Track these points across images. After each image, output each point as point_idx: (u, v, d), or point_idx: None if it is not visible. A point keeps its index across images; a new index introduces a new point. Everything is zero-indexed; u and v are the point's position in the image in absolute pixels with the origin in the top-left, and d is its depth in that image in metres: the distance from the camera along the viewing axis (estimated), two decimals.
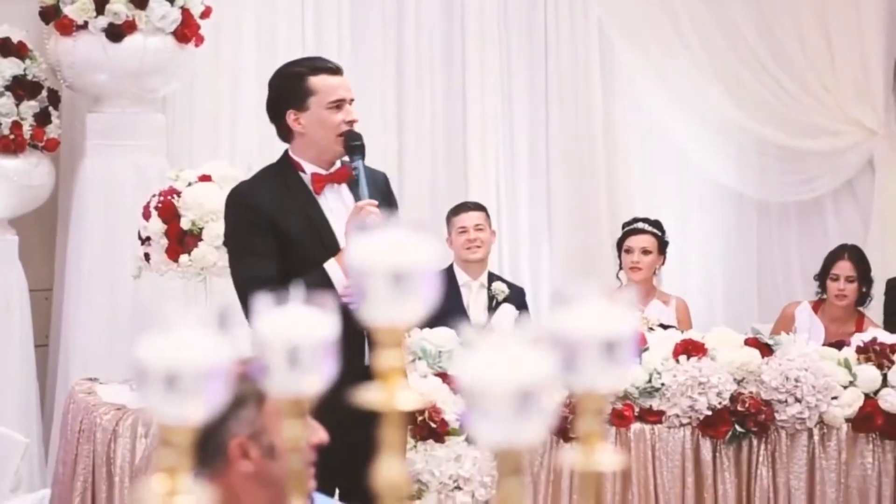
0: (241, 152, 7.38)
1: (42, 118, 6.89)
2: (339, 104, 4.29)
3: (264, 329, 1.50)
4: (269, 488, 2.66)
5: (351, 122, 4.28)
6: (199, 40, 7.07)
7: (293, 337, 1.48)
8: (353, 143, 4.26)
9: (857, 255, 6.88)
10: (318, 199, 4.27)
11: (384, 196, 4.39)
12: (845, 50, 8.16)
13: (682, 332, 5.87)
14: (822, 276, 6.87)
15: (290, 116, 4.30)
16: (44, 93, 6.94)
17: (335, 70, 4.34)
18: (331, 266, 4.14)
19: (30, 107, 6.84)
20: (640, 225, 6.92)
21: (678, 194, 8.39)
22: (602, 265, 7.69)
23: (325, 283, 4.11)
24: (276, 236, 4.17)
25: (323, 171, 4.31)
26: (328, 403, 3.71)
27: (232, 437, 2.68)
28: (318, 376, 1.49)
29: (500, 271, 7.87)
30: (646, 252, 6.85)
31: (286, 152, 4.40)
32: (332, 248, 4.18)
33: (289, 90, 4.33)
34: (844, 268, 6.79)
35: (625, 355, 1.46)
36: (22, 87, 6.83)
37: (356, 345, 3.96)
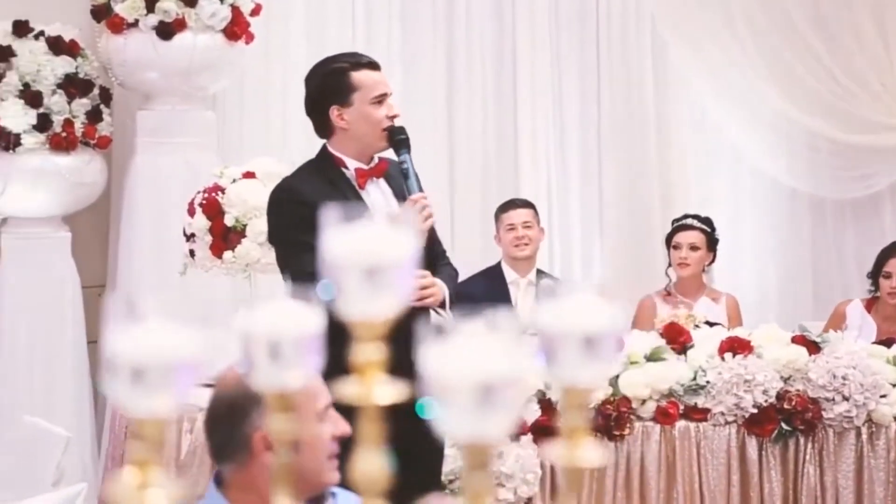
0: (291, 149, 7.38)
1: (94, 116, 6.93)
2: (381, 99, 4.28)
3: (247, 322, 1.49)
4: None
5: (393, 117, 4.27)
6: (249, 38, 7.09)
7: (275, 331, 1.47)
8: (399, 138, 4.26)
9: None
10: (362, 194, 4.28)
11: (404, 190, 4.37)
12: None
13: (729, 329, 5.82)
14: (875, 274, 6.79)
15: (334, 112, 4.29)
16: (95, 91, 6.98)
17: (375, 65, 4.34)
18: None
19: (81, 105, 6.89)
20: (689, 221, 6.88)
21: (731, 191, 8.32)
22: (654, 262, 7.64)
23: None
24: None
25: (365, 166, 4.31)
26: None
27: (255, 430, 2.68)
28: (302, 370, 1.48)
29: (551, 268, 7.84)
30: (694, 248, 6.81)
31: (324, 147, 4.40)
32: None
33: (331, 86, 4.32)
34: None
35: (606, 350, 1.44)
36: (74, 85, 6.87)
37: (409, 339, 3.96)
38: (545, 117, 8.11)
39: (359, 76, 4.30)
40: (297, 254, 4.17)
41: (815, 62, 8.09)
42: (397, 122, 4.37)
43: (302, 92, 7.13)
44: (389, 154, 4.49)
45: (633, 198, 8.16)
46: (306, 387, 1.53)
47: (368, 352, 1.37)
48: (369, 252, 1.33)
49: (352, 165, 4.31)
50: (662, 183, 8.18)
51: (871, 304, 6.76)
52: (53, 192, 6.86)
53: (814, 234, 8.30)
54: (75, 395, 6.88)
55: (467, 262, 7.22)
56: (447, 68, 8.05)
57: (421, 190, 4.25)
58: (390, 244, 1.35)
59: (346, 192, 4.25)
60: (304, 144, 7.17)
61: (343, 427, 2.73)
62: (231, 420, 2.71)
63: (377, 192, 4.31)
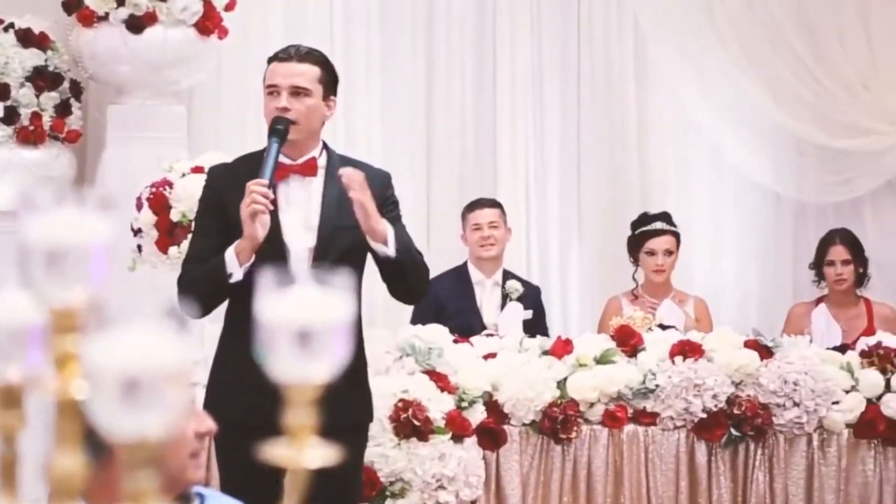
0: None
1: (63, 109, 6.89)
2: (272, 90, 4.22)
3: None
4: None
5: (283, 110, 4.18)
6: (223, 32, 7.03)
7: None
8: (273, 126, 4.18)
9: (849, 238, 6.78)
10: (278, 188, 4.19)
11: (376, 195, 4.24)
12: (887, 47, 7.92)
13: (700, 332, 5.73)
14: (818, 265, 6.78)
15: None
16: (65, 84, 6.94)
17: (286, 57, 4.26)
18: (229, 253, 4.07)
19: (50, 98, 6.85)
20: (660, 225, 6.77)
21: (713, 192, 8.22)
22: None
23: (222, 269, 4.05)
24: (224, 220, 4.13)
25: (287, 161, 4.24)
26: (257, 387, 3.59)
27: None
28: (21, 365, 1.42)
29: (528, 268, 7.76)
30: (669, 253, 6.74)
31: None
32: (273, 240, 4.08)
33: None
34: (839, 252, 6.68)
35: (328, 345, 1.38)
36: (42, 78, 6.83)
37: None
38: (524, 117, 8.03)
39: (268, 68, 4.29)
40: (193, 236, 4.40)
41: (799, 64, 7.99)
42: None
43: None
44: (386, 161, 4.48)
45: (612, 199, 8.07)
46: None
47: (66, 344, 1.31)
48: (53, 237, 1.27)
49: (280, 158, 4.23)
50: (643, 181, 8.10)
51: (822, 301, 6.72)
52: (20, 186, 6.81)
53: (796, 237, 8.20)
54: None
55: (443, 263, 7.15)
56: (426, 62, 7.99)
57: (267, 178, 4.09)
58: (84, 228, 1.28)
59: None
60: None
61: (208, 424, 2.66)
62: (92, 422, 2.64)
63: (300, 190, 4.23)
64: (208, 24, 6.91)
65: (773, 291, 8.15)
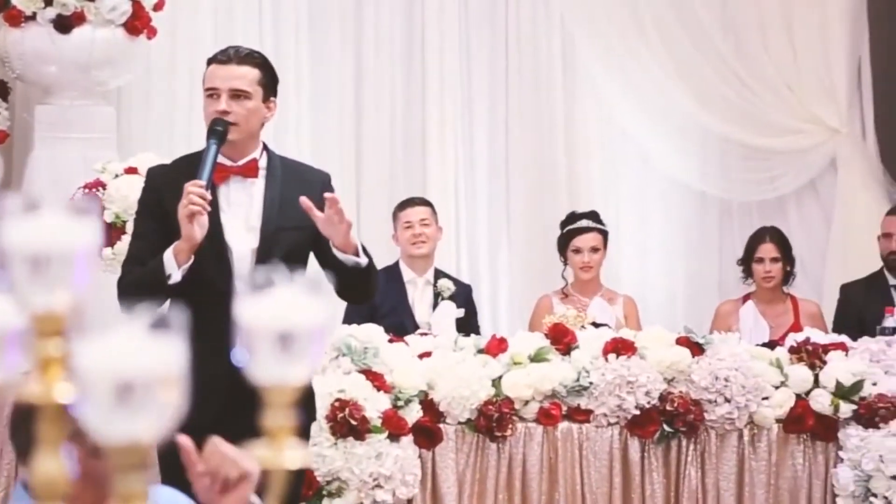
0: (197, 145, 7.29)
1: None
2: (211, 93, 4.22)
3: None
4: (95, 487, 2.60)
5: (222, 113, 4.17)
6: (152, 32, 7.01)
7: None
8: (212, 127, 4.17)
9: (779, 236, 6.87)
10: (219, 190, 4.18)
11: (318, 195, 4.22)
12: (809, 48, 8.06)
13: (617, 330, 5.80)
14: (746, 261, 6.87)
15: None
16: None
17: (225, 59, 4.24)
18: (167, 254, 4.05)
19: None
20: (586, 223, 6.84)
21: (639, 192, 8.30)
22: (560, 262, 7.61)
23: (161, 270, 4.02)
24: (163, 222, 4.10)
25: (228, 163, 4.23)
26: (215, 388, 3.59)
27: None
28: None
29: (457, 268, 7.80)
30: (595, 250, 6.80)
31: None
32: (215, 241, 4.08)
33: None
34: (768, 250, 6.76)
35: (307, 347, 1.40)
36: None
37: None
38: (453, 117, 8.08)
39: (207, 70, 4.28)
40: (133, 237, 4.38)
41: (723, 65, 8.10)
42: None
43: None
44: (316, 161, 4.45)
45: (540, 199, 8.13)
46: None
47: (50, 349, 1.33)
48: (38, 242, 1.28)
49: (220, 160, 4.21)
50: (570, 182, 8.17)
51: (749, 299, 6.80)
52: None
53: (721, 236, 8.31)
54: None
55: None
56: (355, 64, 8.01)
57: (205, 180, 4.06)
58: (65, 233, 1.30)
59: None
60: None
61: None
62: (31, 422, 2.64)
63: (240, 192, 4.21)
64: (137, 24, 6.90)
65: (698, 289, 8.24)
